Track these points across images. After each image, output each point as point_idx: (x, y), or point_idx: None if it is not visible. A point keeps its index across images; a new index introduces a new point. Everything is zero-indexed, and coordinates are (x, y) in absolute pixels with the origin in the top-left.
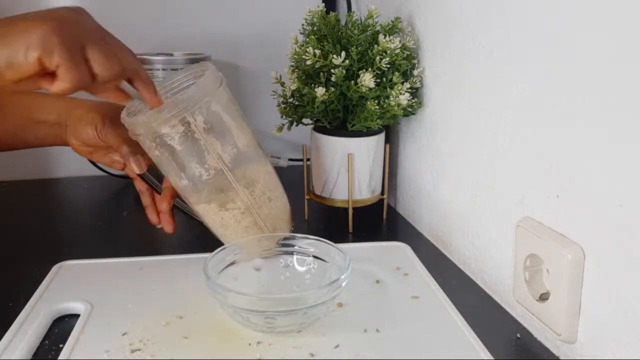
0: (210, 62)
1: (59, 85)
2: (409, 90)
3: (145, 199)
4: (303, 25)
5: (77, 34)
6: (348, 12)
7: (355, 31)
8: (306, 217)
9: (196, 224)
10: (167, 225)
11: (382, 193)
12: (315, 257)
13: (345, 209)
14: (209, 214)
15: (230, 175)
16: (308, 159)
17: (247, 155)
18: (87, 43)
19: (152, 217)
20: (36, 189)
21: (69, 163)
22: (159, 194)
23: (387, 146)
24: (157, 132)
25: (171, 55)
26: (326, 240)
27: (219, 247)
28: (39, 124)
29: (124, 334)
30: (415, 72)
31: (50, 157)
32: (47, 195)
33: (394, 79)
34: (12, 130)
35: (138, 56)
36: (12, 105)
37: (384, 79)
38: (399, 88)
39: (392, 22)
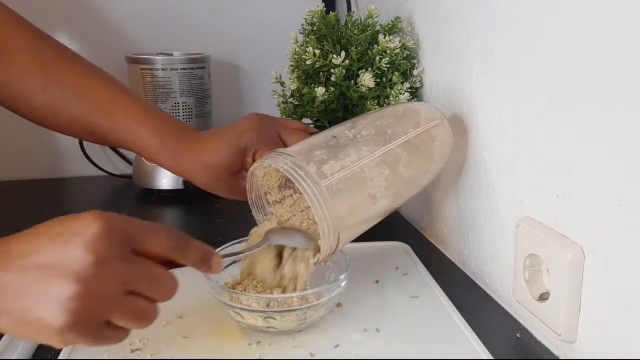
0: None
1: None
2: (409, 90)
3: None
4: (303, 25)
5: (99, 309)
6: (348, 12)
7: (355, 31)
8: None
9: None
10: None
11: None
12: None
13: None
14: None
15: None
16: None
17: None
18: (111, 315)
19: None
20: (37, 189)
21: (70, 163)
22: None
23: None
24: None
25: (171, 55)
26: None
27: (218, 247)
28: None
29: None
30: (415, 72)
31: (50, 158)
32: (48, 195)
33: (394, 79)
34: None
35: (138, 56)
36: None
37: (384, 79)
38: (399, 88)
39: (392, 22)
